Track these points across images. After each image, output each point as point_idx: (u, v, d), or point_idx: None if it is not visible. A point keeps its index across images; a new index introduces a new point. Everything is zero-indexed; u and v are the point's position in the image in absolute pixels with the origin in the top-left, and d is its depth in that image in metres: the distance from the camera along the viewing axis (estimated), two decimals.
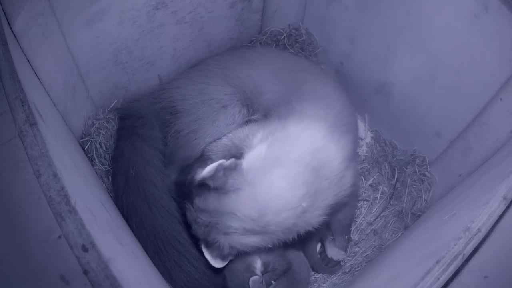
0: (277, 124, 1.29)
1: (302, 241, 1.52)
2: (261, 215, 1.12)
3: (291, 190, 1.14)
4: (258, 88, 1.49)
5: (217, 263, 1.18)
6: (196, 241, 1.34)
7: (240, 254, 1.21)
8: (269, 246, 1.19)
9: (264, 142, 1.23)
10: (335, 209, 1.28)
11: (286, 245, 1.44)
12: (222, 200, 1.15)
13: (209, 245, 1.18)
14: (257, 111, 1.49)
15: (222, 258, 1.18)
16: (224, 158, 1.23)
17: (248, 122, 1.48)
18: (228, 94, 1.50)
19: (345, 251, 1.51)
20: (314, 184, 1.16)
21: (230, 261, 1.24)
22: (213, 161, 1.36)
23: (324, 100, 1.39)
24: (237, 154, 1.30)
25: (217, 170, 1.16)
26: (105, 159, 1.50)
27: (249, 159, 1.20)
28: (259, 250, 1.21)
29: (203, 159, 1.45)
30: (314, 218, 1.18)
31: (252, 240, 1.17)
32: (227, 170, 1.16)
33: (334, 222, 1.46)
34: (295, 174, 1.15)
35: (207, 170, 1.16)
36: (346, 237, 1.52)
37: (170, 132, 1.50)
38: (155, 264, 1.28)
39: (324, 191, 1.18)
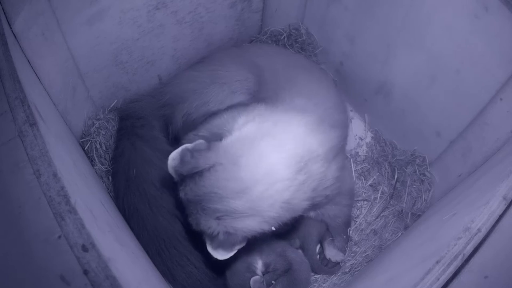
0: (264, 109, 1.24)
1: (302, 240, 1.53)
2: (247, 187, 1.04)
3: (285, 163, 1.07)
4: (261, 77, 1.49)
5: (219, 255, 1.09)
6: (197, 241, 1.35)
7: (245, 243, 1.11)
8: (269, 229, 1.10)
9: (251, 123, 1.17)
10: (318, 203, 1.24)
11: (283, 238, 1.44)
12: (198, 182, 1.07)
13: (208, 237, 1.10)
14: (258, 100, 1.46)
15: (222, 247, 1.09)
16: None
17: (227, 108, 1.44)
18: (238, 80, 1.51)
19: (344, 252, 1.51)
20: (301, 163, 1.10)
21: (233, 258, 1.16)
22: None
23: (314, 96, 1.38)
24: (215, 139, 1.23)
25: (182, 154, 1.08)
26: (105, 159, 1.50)
27: (231, 137, 1.13)
28: (261, 236, 1.12)
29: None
30: (299, 204, 1.12)
31: (247, 224, 1.07)
32: (195, 151, 1.08)
33: (330, 222, 1.46)
34: (289, 149, 1.09)
35: (171, 157, 1.08)
36: (345, 237, 1.52)
37: (177, 118, 1.50)
38: (157, 265, 1.28)
39: (309, 177, 1.13)
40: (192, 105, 1.51)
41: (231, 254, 1.10)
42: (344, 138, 1.46)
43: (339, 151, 1.31)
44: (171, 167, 1.09)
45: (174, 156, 1.08)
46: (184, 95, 1.53)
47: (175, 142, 1.52)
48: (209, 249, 1.10)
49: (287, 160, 1.08)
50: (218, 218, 1.07)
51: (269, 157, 1.08)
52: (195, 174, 1.07)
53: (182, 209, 1.33)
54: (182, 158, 1.08)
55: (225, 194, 1.05)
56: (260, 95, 1.45)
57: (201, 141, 1.11)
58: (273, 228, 1.11)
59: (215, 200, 1.06)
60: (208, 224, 1.08)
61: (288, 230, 1.48)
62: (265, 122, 1.16)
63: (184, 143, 1.40)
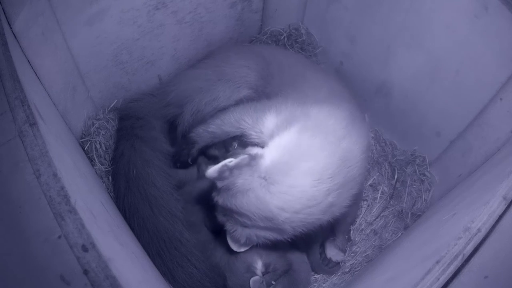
0: (296, 110, 1.23)
1: (306, 241, 1.53)
2: (275, 215, 1.08)
3: (316, 186, 1.08)
4: (270, 69, 1.49)
5: (236, 248, 1.22)
6: (197, 242, 1.35)
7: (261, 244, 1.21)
8: (289, 239, 1.17)
9: (289, 130, 1.17)
10: (356, 198, 1.26)
11: (290, 246, 1.45)
12: (232, 200, 1.12)
13: (229, 231, 1.19)
14: (263, 94, 1.48)
15: (241, 245, 1.21)
16: (207, 144, 1.20)
17: (236, 104, 1.46)
18: (243, 76, 1.51)
19: (344, 252, 1.51)
20: (340, 175, 1.11)
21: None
22: (199, 146, 1.37)
23: (334, 90, 1.38)
24: (253, 143, 1.25)
25: (220, 171, 1.11)
26: (105, 159, 1.50)
27: (273, 153, 1.14)
28: (280, 242, 1.20)
29: (190, 142, 1.45)
30: (339, 209, 1.15)
31: (270, 234, 1.15)
32: (235, 169, 1.11)
33: (339, 220, 1.45)
34: (322, 167, 1.10)
35: (209, 173, 1.12)
36: (347, 237, 1.52)
37: (186, 117, 1.50)
38: (157, 265, 1.28)
39: (350, 181, 1.15)
40: (201, 102, 1.51)
41: (248, 248, 1.23)
42: (367, 129, 1.45)
43: (370, 143, 1.30)
44: (209, 178, 1.14)
45: (212, 172, 1.12)
46: (189, 93, 1.53)
47: (183, 138, 1.53)
48: (230, 243, 1.23)
49: (320, 181, 1.09)
50: (243, 226, 1.16)
51: (302, 182, 1.09)
52: (231, 190, 1.12)
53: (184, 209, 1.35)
54: (220, 174, 1.12)
55: (253, 216, 1.11)
56: (272, 90, 1.44)
57: (245, 156, 1.13)
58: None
59: (244, 216, 1.13)
60: (234, 228, 1.18)
61: None
62: (304, 132, 1.15)
63: (193, 137, 1.42)
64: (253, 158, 1.13)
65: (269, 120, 1.23)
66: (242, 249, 1.22)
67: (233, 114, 1.34)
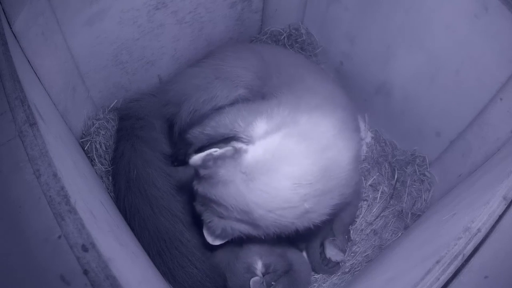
0: (286, 114, 1.24)
1: (306, 240, 1.53)
2: (251, 209, 1.11)
3: (293, 189, 1.11)
4: (268, 69, 1.49)
5: (211, 241, 1.21)
6: (198, 242, 1.35)
7: (237, 238, 1.21)
8: (263, 237, 1.18)
9: (276, 134, 1.19)
10: (339, 208, 1.26)
11: (289, 242, 1.45)
12: (212, 189, 1.14)
13: (205, 223, 1.20)
14: (259, 94, 1.48)
15: (216, 237, 1.20)
16: (203, 145, 1.22)
17: (232, 105, 1.46)
18: (240, 75, 1.51)
19: (344, 252, 1.51)
20: (319, 184, 1.13)
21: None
22: (195, 146, 1.37)
23: (331, 95, 1.37)
24: (239, 139, 1.26)
25: (205, 160, 1.13)
26: (105, 159, 1.49)
27: (257, 151, 1.16)
28: (254, 238, 1.21)
29: (187, 143, 1.45)
30: (318, 217, 1.16)
31: (244, 228, 1.17)
32: (218, 159, 1.13)
33: (337, 221, 1.45)
34: (302, 173, 1.12)
35: (193, 160, 1.14)
36: (346, 237, 1.52)
37: (183, 114, 1.50)
38: (157, 265, 1.28)
39: (331, 191, 1.16)
40: (199, 101, 1.51)
41: (223, 242, 1.22)
42: (360, 140, 1.45)
43: (359, 156, 1.30)
44: (192, 166, 1.15)
45: (197, 159, 1.13)
46: (188, 91, 1.53)
47: (180, 137, 1.52)
48: (205, 234, 1.23)
49: (299, 186, 1.11)
50: (220, 217, 1.17)
51: (279, 184, 1.11)
52: (212, 179, 1.13)
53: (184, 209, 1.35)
54: (204, 163, 1.13)
55: (231, 208, 1.12)
56: (268, 91, 1.45)
57: (229, 148, 1.15)
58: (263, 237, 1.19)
59: (221, 207, 1.14)
60: (210, 218, 1.19)
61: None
62: (289, 138, 1.17)
63: (189, 138, 1.44)
64: (238, 151, 1.15)
65: (259, 126, 1.24)
66: (217, 242, 1.22)
67: (228, 116, 1.34)
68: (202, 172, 1.14)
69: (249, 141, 1.22)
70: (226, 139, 1.33)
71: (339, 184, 1.17)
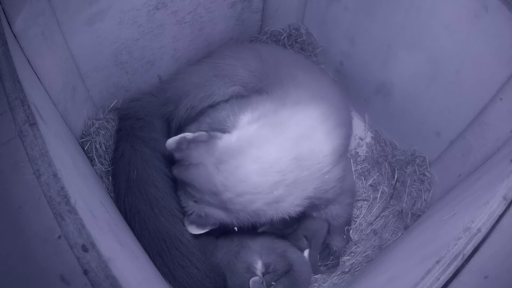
0: (269, 107, 1.27)
1: (311, 238, 1.53)
2: (219, 191, 1.13)
3: (262, 175, 1.13)
4: (265, 67, 1.50)
5: (191, 230, 1.26)
6: (197, 242, 1.35)
7: (216, 226, 1.24)
8: (237, 225, 1.20)
9: (254, 124, 1.22)
10: (319, 203, 1.27)
11: (289, 238, 1.46)
12: (185, 171, 1.19)
13: (186, 213, 1.26)
14: (254, 91, 1.49)
15: (195, 224, 1.25)
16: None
17: (227, 102, 1.49)
18: (238, 73, 1.53)
19: (344, 251, 1.51)
20: (292, 173, 1.14)
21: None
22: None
23: (320, 90, 1.38)
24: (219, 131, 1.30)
25: (179, 143, 1.18)
26: (105, 159, 1.49)
27: (230, 138, 1.19)
28: (228, 226, 1.23)
29: None
30: (291, 207, 1.17)
31: (217, 213, 1.19)
32: (192, 143, 1.18)
33: (333, 221, 1.46)
34: (273, 160, 1.14)
35: (168, 143, 1.19)
36: (345, 236, 1.52)
37: (181, 111, 1.52)
38: (158, 265, 1.28)
39: (303, 182, 1.17)
40: (196, 97, 1.52)
41: (202, 231, 1.26)
42: (348, 137, 1.45)
43: (344, 151, 1.30)
44: (168, 150, 1.21)
45: (171, 143, 1.19)
46: (186, 89, 1.54)
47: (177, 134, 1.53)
48: (185, 223, 1.28)
49: (267, 172, 1.13)
50: (195, 201, 1.21)
51: (246, 168, 1.13)
52: (185, 162, 1.19)
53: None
54: (178, 146, 1.18)
55: (201, 190, 1.17)
56: (261, 87, 1.46)
57: (203, 133, 1.20)
58: (235, 229, 1.24)
59: (194, 189, 1.18)
60: (186, 203, 1.25)
61: (295, 228, 1.49)
62: (264, 127, 1.20)
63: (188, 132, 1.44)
64: (211, 137, 1.19)
65: (244, 118, 1.27)
66: (197, 231, 1.25)
67: (222, 112, 1.38)
68: (177, 155, 1.20)
69: (232, 130, 1.25)
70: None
71: (313, 176, 1.18)
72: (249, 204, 1.14)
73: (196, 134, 1.19)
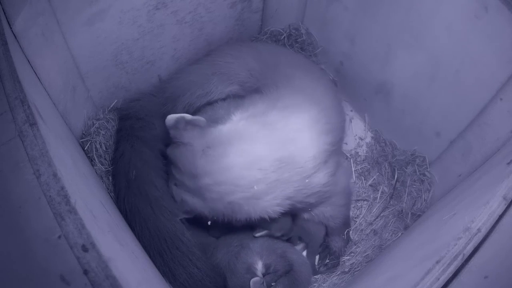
0: (260, 107, 1.29)
1: (307, 241, 1.53)
2: (199, 174, 1.16)
3: (244, 169, 1.15)
4: (264, 67, 1.51)
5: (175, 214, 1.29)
6: (198, 242, 1.35)
7: (191, 216, 1.27)
8: (211, 217, 1.22)
9: (242, 122, 1.24)
10: (302, 207, 1.29)
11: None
12: (174, 149, 1.23)
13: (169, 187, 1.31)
14: (252, 90, 1.50)
15: (178, 209, 1.28)
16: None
17: (223, 100, 1.53)
18: (236, 72, 1.53)
19: (343, 251, 1.51)
20: (274, 173, 1.16)
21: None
22: None
23: (314, 94, 1.38)
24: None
25: (177, 121, 1.22)
26: (105, 159, 1.49)
27: (223, 128, 1.23)
28: (201, 218, 1.25)
29: None
30: (270, 207, 1.18)
31: (193, 202, 1.22)
32: (189, 124, 1.22)
33: (328, 223, 1.45)
34: (256, 157, 1.16)
35: (167, 118, 1.23)
36: (344, 237, 1.52)
37: (178, 108, 1.53)
38: (158, 265, 1.28)
39: (283, 183, 1.18)
40: (193, 95, 1.53)
41: (181, 217, 1.30)
42: (338, 141, 1.45)
43: (331, 156, 1.31)
44: (166, 125, 1.24)
45: (170, 119, 1.23)
46: (185, 87, 1.55)
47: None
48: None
49: (251, 168, 1.15)
50: (176, 185, 1.26)
51: (231, 158, 1.16)
52: (177, 140, 1.23)
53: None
54: (176, 124, 1.23)
55: (183, 170, 1.20)
56: (258, 87, 1.46)
57: (202, 118, 1.24)
58: (209, 223, 1.26)
59: (177, 170, 1.22)
60: (171, 186, 1.30)
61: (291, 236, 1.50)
62: (254, 125, 1.22)
63: None
64: (208, 125, 1.23)
65: (234, 119, 1.29)
66: (178, 217, 1.29)
67: (219, 110, 1.42)
68: (172, 133, 1.23)
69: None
70: None
71: (294, 179, 1.19)
72: (226, 195, 1.15)
73: (195, 117, 1.23)
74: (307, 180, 1.22)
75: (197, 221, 1.32)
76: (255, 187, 1.14)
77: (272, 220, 1.23)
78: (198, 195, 1.20)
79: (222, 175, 1.15)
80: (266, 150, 1.17)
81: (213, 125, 1.24)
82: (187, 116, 1.23)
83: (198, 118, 1.24)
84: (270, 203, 1.18)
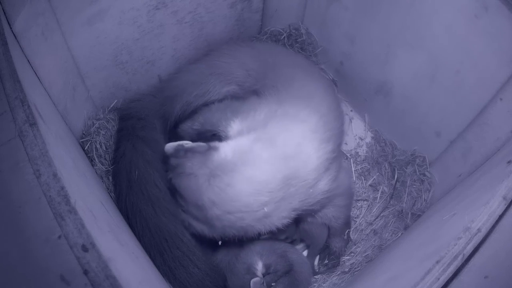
0: (259, 117, 1.28)
1: (310, 242, 1.53)
2: (206, 206, 1.13)
3: (253, 196, 1.13)
4: (263, 67, 1.50)
5: None
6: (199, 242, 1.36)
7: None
8: (220, 239, 1.21)
9: (245, 137, 1.22)
10: (306, 214, 1.29)
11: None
12: (177, 179, 1.20)
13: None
14: (251, 91, 1.50)
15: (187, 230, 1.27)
16: (191, 141, 1.24)
17: (220, 102, 1.50)
18: (234, 72, 1.53)
19: (344, 251, 1.51)
20: (280, 191, 1.15)
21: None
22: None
23: (312, 98, 1.37)
24: (214, 137, 1.30)
25: (176, 149, 1.18)
26: (105, 159, 1.49)
27: (225, 151, 1.19)
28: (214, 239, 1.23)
29: (177, 136, 1.49)
30: (278, 220, 1.18)
31: (200, 227, 1.20)
32: (189, 151, 1.18)
33: (331, 223, 1.46)
34: (264, 180, 1.14)
35: (166, 148, 1.19)
36: (345, 237, 1.52)
37: (176, 108, 1.52)
38: (159, 265, 1.28)
39: (290, 197, 1.18)
40: (191, 94, 1.53)
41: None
42: (338, 147, 1.45)
43: (332, 163, 1.31)
44: (166, 153, 1.21)
45: (169, 147, 1.19)
46: (183, 86, 1.55)
47: (171, 131, 1.55)
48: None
49: (259, 193, 1.13)
50: (182, 210, 1.23)
51: (238, 188, 1.13)
52: (179, 169, 1.19)
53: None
54: (175, 153, 1.19)
55: (189, 201, 1.17)
56: (257, 88, 1.46)
57: (202, 144, 1.19)
58: (219, 243, 1.26)
59: (182, 198, 1.20)
60: (178, 209, 1.27)
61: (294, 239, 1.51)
62: (255, 143, 1.19)
63: (180, 133, 1.46)
64: (209, 148, 1.19)
65: (234, 126, 1.29)
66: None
67: (215, 114, 1.39)
68: (173, 161, 1.20)
69: (225, 139, 1.26)
70: (209, 136, 1.37)
71: (298, 191, 1.19)
72: (238, 221, 1.14)
73: (195, 144, 1.18)
74: (311, 190, 1.21)
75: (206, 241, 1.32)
76: (265, 209, 1.13)
77: (279, 229, 1.23)
78: (206, 223, 1.18)
79: (231, 205, 1.13)
80: (271, 172, 1.15)
81: (215, 147, 1.20)
82: (186, 143, 1.19)
83: (198, 144, 1.19)
84: (278, 217, 1.18)
